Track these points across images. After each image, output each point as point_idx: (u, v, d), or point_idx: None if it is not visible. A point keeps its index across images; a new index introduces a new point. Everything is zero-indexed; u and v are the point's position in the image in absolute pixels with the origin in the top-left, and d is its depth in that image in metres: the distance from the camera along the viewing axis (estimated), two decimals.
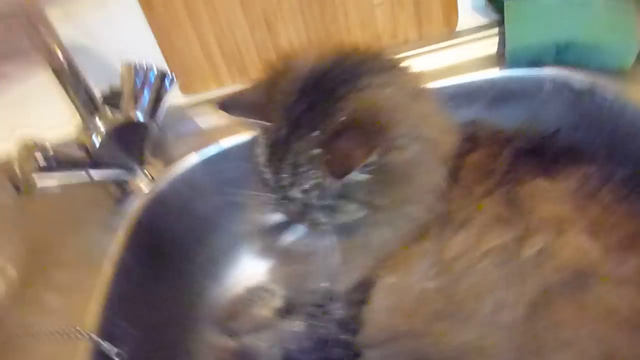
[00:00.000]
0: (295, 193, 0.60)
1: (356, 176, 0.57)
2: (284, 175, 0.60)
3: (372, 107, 0.58)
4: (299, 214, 0.62)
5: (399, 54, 0.79)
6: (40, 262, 0.71)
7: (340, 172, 0.55)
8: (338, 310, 0.71)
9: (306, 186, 0.59)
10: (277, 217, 0.69)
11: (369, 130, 0.56)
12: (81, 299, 0.64)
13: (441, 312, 0.58)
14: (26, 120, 0.79)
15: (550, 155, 0.66)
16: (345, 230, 0.63)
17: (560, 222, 0.57)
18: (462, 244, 0.60)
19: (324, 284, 0.68)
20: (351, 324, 0.69)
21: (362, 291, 0.67)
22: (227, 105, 0.63)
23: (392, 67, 0.64)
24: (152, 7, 0.80)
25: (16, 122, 0.77)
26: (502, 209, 0.60)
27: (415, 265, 0.62)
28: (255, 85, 0.64)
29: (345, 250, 0.64)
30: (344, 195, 0.59)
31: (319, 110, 0.58)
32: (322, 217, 0.61)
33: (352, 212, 0.61)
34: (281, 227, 0.69)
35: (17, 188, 0.76)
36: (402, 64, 0.66)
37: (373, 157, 0.55)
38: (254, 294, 0.86)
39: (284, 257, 0.72)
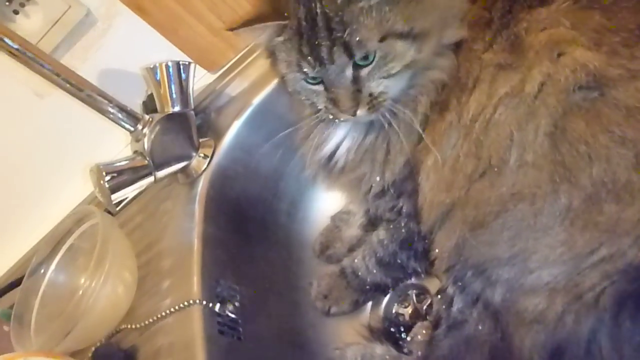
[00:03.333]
0: (351, 37, 0.57)
1: None
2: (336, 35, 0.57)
3: None
4: (354, 91, 0.61)
5: None
6: (148, 259, 0.83)
7: None
8: (406, 205, 0.75)
9: (356, 35, 0.57)
10: (329, 147, 0.74)
11: None
12: (186, 275, 0.75)
13: (474, 172, 0.60)
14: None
15: None
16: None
17: (557, 45, 0.56)
18: (476, 103, 0.61)
19: (377, 178, 0.72)
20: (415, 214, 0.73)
21: (413, 179, 0.70)
22: (241, 25, 0.62)
23: None
24: (146, 11, 0.86)
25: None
26: (504, 56, 0.60)
27: (444, 139, 0.64)
28: None
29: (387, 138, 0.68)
30: (385, 36, 0.58)
31: None
32: (377, 76, 0.60)
33: (401, 53, 0.59)
34: (332, 153, 0.74)
35: (110, 213, 0.88)
36: None
37: None
38: (338, 219, 0.93)
39: (340, 173, 0.75)
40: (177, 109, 0.86)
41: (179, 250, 0.79)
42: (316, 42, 0.59)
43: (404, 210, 0.74)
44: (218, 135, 0.89)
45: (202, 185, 0.84)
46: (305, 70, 0.61)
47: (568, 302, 0.55)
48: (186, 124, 0.87)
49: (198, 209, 0.81)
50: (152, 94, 0.89)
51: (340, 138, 0.73)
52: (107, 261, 0.75)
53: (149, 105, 0.90)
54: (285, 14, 0.60)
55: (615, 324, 0.53)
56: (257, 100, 0.88)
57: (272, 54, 0.66)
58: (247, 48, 0.92)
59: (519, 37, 0.60)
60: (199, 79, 0.95)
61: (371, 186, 0.73)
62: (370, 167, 0.71)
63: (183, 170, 0.87)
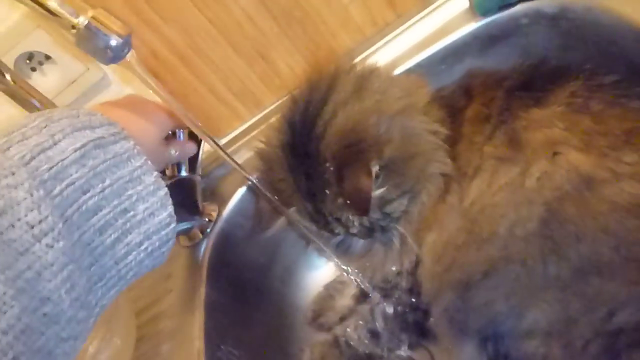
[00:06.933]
0: (353, 230, 0.73)
1: (377, 193, 0.68)
2: (337, 231, 0.74)
3: (345, 130, 0.68)
4: (367, 234, 0.75)
5: (380, 41, 0.87)
6: (146, 319, 0.84)
7: (364, 208, 0.66)
8: (405, 281, 0.80)
9: (356, 223, 0.72)
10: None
11: (356, 153, 0.67)
12: (187, 340, 0.76)
13: (465, 242, 0.66)
14: None
15: (540, 84, 0.71)
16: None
17: (553, 145, 0.63)
18: (476, 190, 0.67)
19: (394, 268, 0.79)
20: (415, 288, 0.78)
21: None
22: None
23: (337, 78, 0.74)
24: (161, 78, 0.90)
25: None
26: (503, 150, 0.67)
27: (444, 219, 0.70)
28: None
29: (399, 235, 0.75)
30: (383, 202, 0.70)
31: (313, 169, 0.70)
32: (384, 223, 0.74)
33: (397, 208, 0.72)
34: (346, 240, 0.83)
35: None
36: (352, 67, 0.77)
37: (376, 169, 0.66)
38: (332, 289, 0.96)
39: (355, 258, 0.83)
40: (184, 173, 0.89)
41: (180, 313, 0.80)
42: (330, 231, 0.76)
43: (403, 286, 0.79)
44: (222, 201, 0.92)
45: (205, 249, 0.87)
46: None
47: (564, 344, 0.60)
48: (192, 189, 0.90)
49: (202, 272, 0.84)
50: None
51: None
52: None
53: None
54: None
55: None
56: None
57: None
58: (254, 120, 0.97)
59: (517, 133, 0.67)
60: (205, 144, 0.99)
61: (386, 273, 0.80)
62: (384, 258, 0.79)
63: (186, 232, 0.90)
